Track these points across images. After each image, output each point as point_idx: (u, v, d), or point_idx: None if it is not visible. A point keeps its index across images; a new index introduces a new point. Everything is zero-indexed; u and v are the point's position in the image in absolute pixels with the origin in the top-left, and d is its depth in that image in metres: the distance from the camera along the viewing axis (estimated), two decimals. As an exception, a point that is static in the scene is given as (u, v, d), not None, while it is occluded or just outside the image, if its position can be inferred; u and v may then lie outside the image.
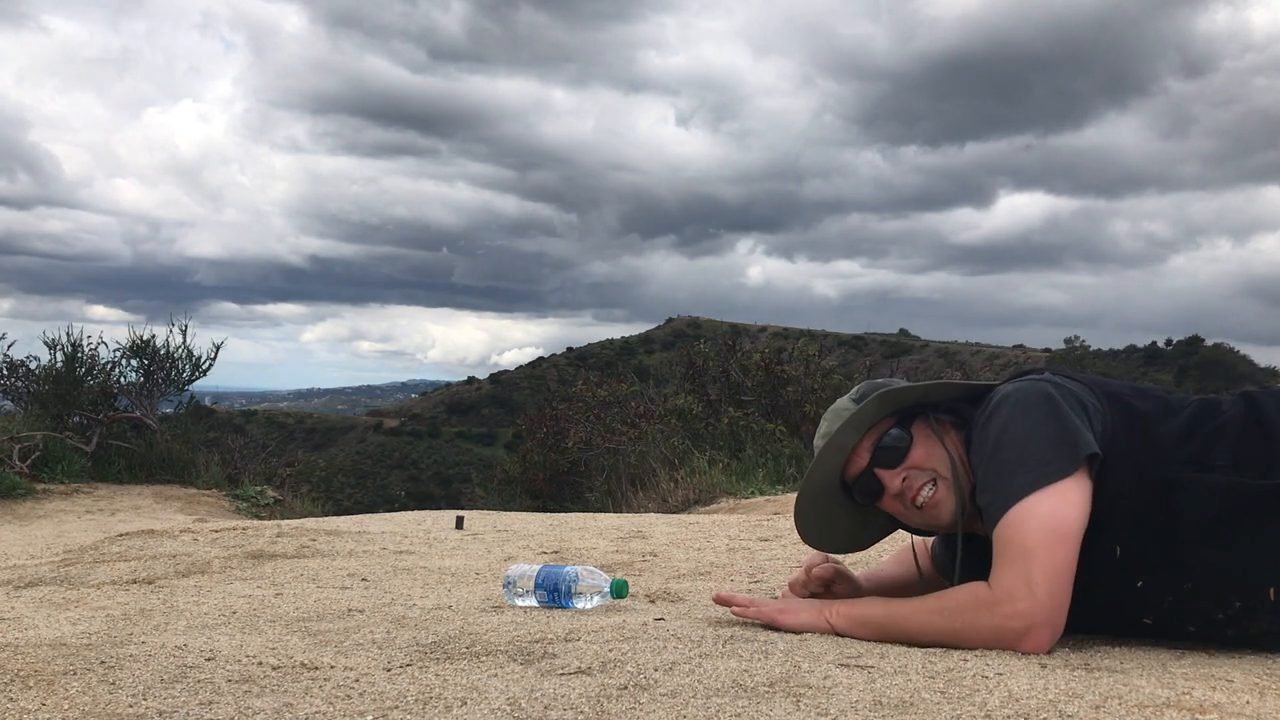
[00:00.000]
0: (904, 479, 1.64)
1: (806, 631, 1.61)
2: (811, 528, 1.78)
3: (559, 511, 6.27)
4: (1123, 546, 1.52)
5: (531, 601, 1.86)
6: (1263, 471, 1.50)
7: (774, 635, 1.56)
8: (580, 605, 1.82)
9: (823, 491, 1.75)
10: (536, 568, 1.89)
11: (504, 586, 1.92)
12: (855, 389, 1.76)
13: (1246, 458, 1.51)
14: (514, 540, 3.17)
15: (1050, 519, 1.46)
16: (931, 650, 1.46)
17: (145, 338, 8.69)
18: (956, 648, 1.48)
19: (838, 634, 1.60)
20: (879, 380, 1.79)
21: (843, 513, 1.76)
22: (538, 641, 1.51)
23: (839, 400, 1.77)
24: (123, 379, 8.66)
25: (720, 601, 1.76)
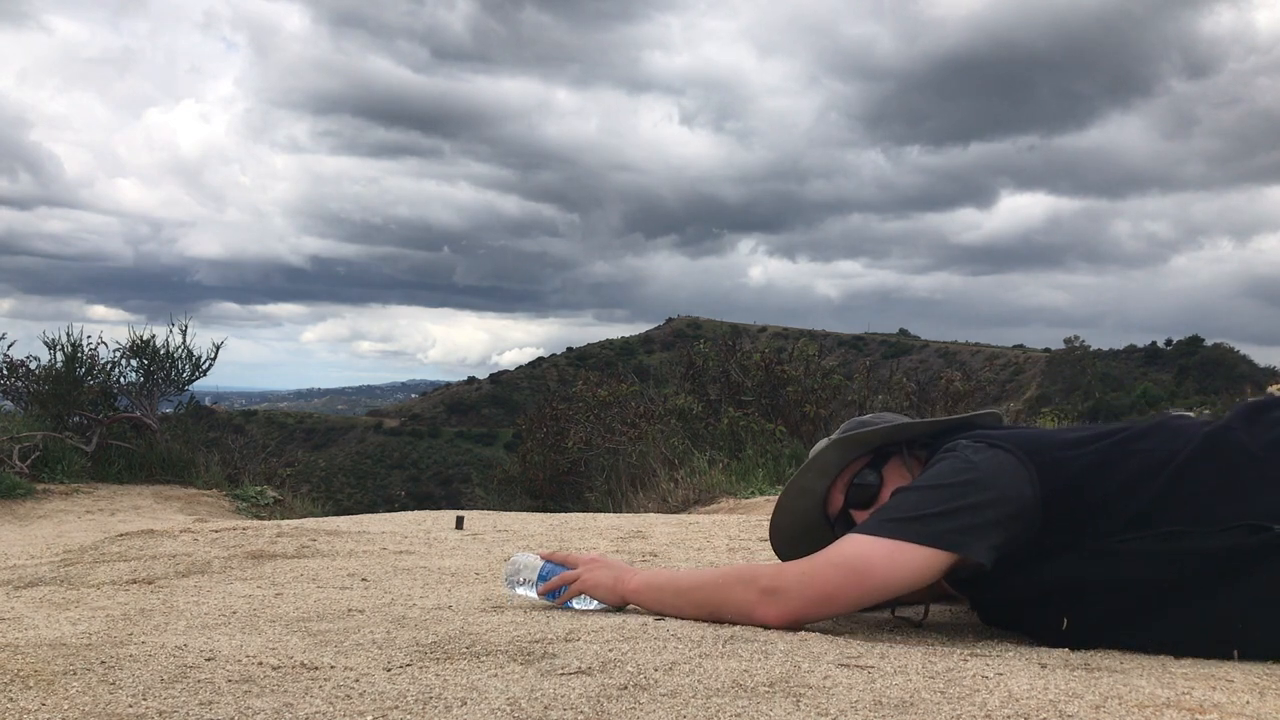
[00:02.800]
0: None
1: (599, 590, 1.75)
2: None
3: (559, 511, 6.27)
4: (1070, 619, 1.50)
5: (530, 593, 1.86)
6: (1217, 527, 1.39)
7: (774, 635, 1.56)
8: (580, 605, 1.82)
9: (805, 531, 1.78)
10: (541, 561, 1.88)
11: (505, 571, 1.91)
12: (840, 427, 1.80)
13: (1201, 511, 1.41)
14: (514, 540, 3.17)
15: (869, 559, 1.47)
16: (932, 650, 1.46)
17: (145, 338, 8.69)
18: (715, 601, 1.59)
19: (628, 601, 1.71)
20: (861, 418, 1.82)
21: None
22: (538, 641, 1.51)
23: (820, 441, 1.80)
24: (123, 379, 8.66)
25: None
